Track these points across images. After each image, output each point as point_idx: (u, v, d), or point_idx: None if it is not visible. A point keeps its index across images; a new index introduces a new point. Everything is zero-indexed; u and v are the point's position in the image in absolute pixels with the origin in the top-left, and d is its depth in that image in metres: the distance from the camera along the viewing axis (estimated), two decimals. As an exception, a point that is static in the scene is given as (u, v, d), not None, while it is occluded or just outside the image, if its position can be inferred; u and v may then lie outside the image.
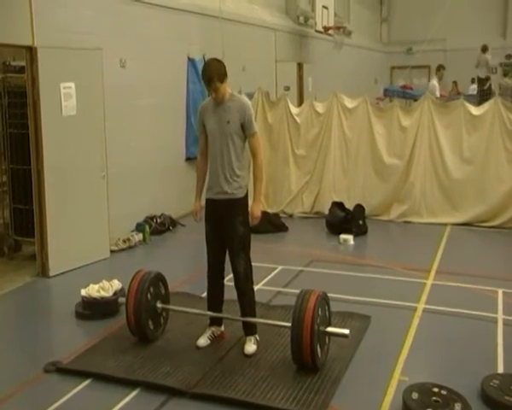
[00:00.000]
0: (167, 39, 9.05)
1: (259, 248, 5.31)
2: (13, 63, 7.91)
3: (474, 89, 13.58)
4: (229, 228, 4.64)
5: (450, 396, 3.84)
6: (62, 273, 6.72)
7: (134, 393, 4.19)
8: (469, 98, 11.14)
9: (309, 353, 4.25)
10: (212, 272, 4.85)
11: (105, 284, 5.70)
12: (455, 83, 21.88)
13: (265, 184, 9.42)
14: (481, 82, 14.97)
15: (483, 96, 14.31)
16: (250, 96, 8.62)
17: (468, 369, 4.42)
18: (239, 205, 4.65)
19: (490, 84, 15.04)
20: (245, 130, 4.62)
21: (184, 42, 9.52)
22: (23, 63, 6.77)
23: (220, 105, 4.62)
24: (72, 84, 6.71)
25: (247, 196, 4.73)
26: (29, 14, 6.42)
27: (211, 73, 4.51)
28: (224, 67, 4.59)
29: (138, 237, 7.98)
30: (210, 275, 4.87)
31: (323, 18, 16.40)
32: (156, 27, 8.78)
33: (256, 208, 4.69)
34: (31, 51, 6.45)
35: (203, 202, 4.82)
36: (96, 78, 7.06)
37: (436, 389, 3.91)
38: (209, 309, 4.93)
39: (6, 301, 6.15)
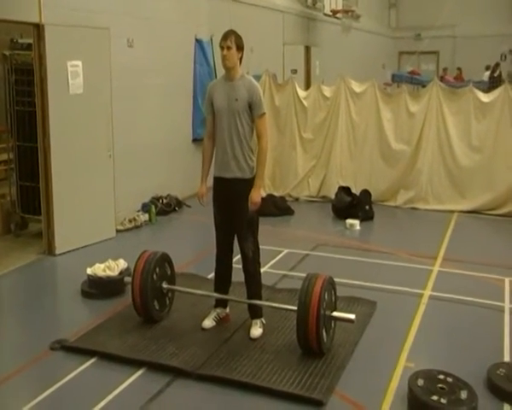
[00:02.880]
0: (175, 20, 8.98)
1: (265, 231, 5.28)
2: (20, 40, 7.85)
3: (487, 76, 13.32)
4: (238, 211, 4.59)
5: (456, 384, 3.82)
6: (68, 252, 6.74)
7: (139, 373, 4.19)
8: (478, 85, 11.00)
9: (314, 337, 4.24)
10: (220, 252, 4.83)
11: (111, 263, 5.70)
12: (459, 69, 21.55)
13: (272, 167, 9.39)
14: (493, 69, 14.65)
15: (493, 82, 14.19)
16: (257, 78, 8.54)
17: (474, 357, 4.40)
18: (247, 186, 4.57)
19: (500, 72, 14.90)
20: (252, 110, 4.56)
21: (192, 23, 9.44)
22: (30, 40, 6.73)
23: (229, 83, 4.59)
24: (80, 63, 6.67)
25: (254, 177, 4.65)
26: (37, -9, 6.36)
27: (230, 31, 4.62)
28: (243, 43, 4.64)
29: (144, 217, 7.98)
30: (218, 256, 4.85)
31: (332, 1, 16.28)
32: (164, 7, 8.71)
33: (256, 194, 4.55)
34: (38, 28, 6.40)
35: (209, 184, 4.78)
36: (104, 57, 7.00)
37: (442, 376, 3.88)
38: (216, 290, 4.92)
39: (12, 279, 6.16)
